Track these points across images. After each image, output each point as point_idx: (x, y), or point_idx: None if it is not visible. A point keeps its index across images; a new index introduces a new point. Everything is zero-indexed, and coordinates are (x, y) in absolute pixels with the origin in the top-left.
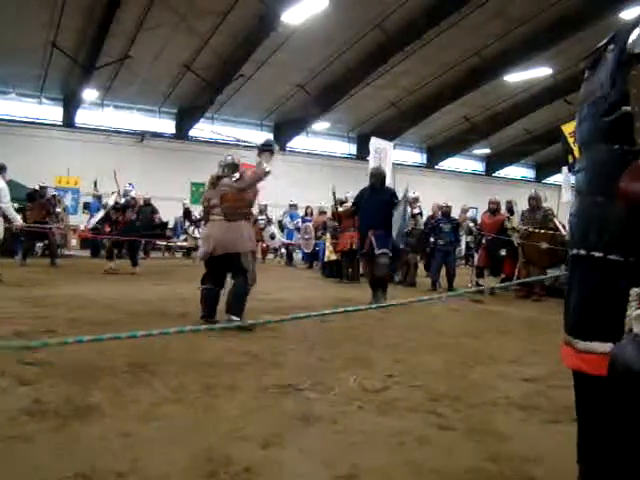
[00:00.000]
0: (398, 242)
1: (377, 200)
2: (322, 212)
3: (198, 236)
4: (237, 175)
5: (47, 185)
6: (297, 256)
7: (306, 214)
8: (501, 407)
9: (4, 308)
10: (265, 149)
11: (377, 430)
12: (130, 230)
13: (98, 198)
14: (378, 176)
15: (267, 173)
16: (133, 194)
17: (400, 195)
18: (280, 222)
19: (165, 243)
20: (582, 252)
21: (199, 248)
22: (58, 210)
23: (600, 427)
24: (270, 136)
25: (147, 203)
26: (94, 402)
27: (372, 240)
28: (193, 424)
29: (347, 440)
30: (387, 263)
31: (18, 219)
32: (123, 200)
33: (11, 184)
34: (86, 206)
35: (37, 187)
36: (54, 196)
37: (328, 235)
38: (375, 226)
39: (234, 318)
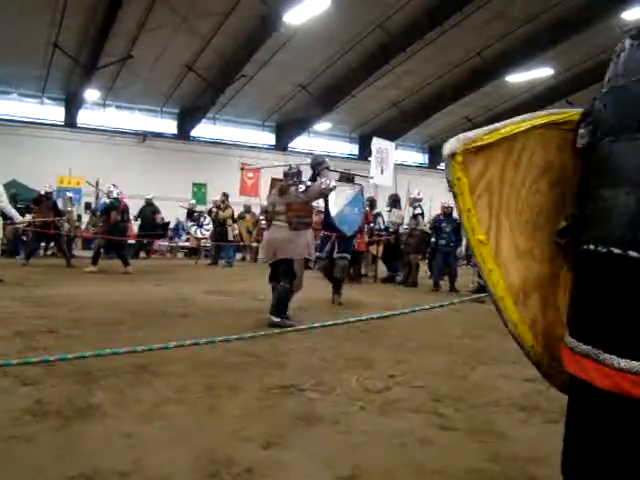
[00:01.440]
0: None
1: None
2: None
3: (200, 236)
4: (303, 187)
5: (52, 190)
6: None
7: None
8: (503, 407)
9: (5, 308)
10: (322, 167)
11: (379, 430)
12: (115, 231)
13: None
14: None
15: (331, 189)
16: (116, 194)
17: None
18: None
19: (167, 243)
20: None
21: (259, 252)
22: (69, 209)
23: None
24: (270, 136)
25: (149, 203)
26: (96, 402)
27: (335, 243)
28: (195, 424)
29: (349, 440)
30: (346, 265)
31: (18, 216)
32: (108, 201)
33: (14, 184)
34: (87, 206)
35: (42, 192)
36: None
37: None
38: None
39: (274, 319)
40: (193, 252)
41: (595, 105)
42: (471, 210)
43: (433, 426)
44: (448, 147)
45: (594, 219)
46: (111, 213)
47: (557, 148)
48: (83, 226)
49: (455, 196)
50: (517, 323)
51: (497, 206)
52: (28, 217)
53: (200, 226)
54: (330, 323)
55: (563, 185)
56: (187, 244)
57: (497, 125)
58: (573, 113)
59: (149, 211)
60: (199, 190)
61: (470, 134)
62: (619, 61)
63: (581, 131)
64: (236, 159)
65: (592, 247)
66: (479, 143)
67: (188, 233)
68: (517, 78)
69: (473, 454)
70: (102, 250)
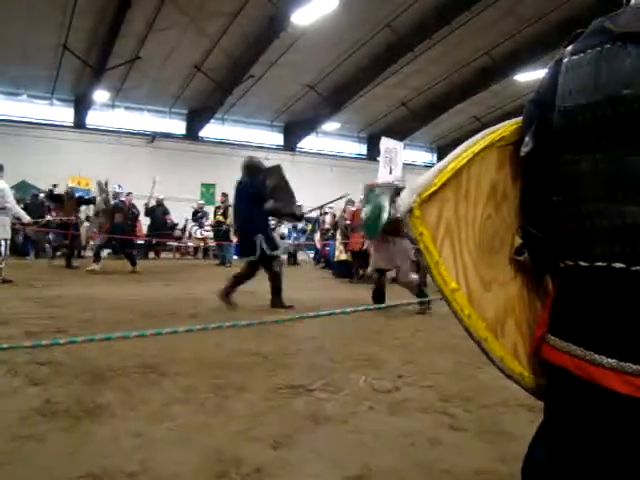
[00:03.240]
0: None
1: (242, 195)
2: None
3: (200, 236)
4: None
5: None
6: (305, 256)
7: (320, 214)
8: (511, 408)
9: (16, 308)
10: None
11: (388, 430)
12: (119, 231)
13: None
14: (246, 166)
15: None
16: (123, 197)
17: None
18: None
19: (176, 244)
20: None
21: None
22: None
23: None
24: (278, 136)
25: (159, 204)
26: (104, 402)
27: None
28: (203, 425)
29: (358, 440)
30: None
31: (26, 216)
32: (113, 202)
33: (23, 185)
34: None
35: (62, 191)
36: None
37: (338, 235)
38: (241, 228)
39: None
40: (204, 252)
41: (565, 115)
42: (438, 261)
43: (442, 426)
44: (405, 203)
45: (613, 234)
46: (115, 215)
47: (497, 167)
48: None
49: (421, 252)
50: (503, 356)
51: (458, 247)
52: (48, 217)
53: (201, 226)
54: (313, 314)
55: (508, 202)
56: (191, 244)
57: (442, 164)
58: (505, 127)
59: (160, 212)
60: (207, 190)
61: (421, 181)
62: (612, 67)
63: (526, 139)
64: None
65: (621, 265)
66: (432, 189)
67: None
68: (526, 77)
69: (482, 454)
70: (106, 250)
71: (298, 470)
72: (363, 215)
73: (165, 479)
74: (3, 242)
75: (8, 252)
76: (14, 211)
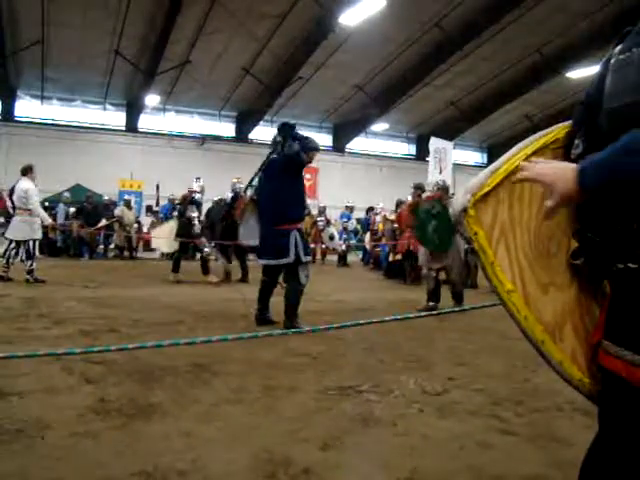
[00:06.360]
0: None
1: (273, 174)
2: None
3: None
4: None
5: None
6: (356, 257)
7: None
8: (565, 412)
9: (71, 308)
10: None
11: (437, 433)
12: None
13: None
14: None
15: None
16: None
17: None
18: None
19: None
20: None
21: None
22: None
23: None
24: (327, 138)
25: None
26: (156, 401)
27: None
28: (253, 425)
29: (407, 443)
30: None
31: (47, 219)
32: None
33: (77, 188)
34: (149, 209)
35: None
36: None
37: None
38: (274, 219)
39: None
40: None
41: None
42: (494, 262)
43: (493, 430)
44: (459, 203)
45: None
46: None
47: None
48: (145, 229)
49: (476, 251)
50: (562, 361)
51: (514, 248)
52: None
53: None
54: (337, 325)
55: None
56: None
57: (495, 165)
58: (558, 129)
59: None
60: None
61: (474, 182)
62: None
63: (576, 142)
64: None
65: None
66: (485, 189)
67: None
68: (578, 74)
69: (534, 459)
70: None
71: (346, 472)
72: (428, 238)
73: (215, 478)
74: (31, 242)
75: (37, 252)
76: (36, 212)
